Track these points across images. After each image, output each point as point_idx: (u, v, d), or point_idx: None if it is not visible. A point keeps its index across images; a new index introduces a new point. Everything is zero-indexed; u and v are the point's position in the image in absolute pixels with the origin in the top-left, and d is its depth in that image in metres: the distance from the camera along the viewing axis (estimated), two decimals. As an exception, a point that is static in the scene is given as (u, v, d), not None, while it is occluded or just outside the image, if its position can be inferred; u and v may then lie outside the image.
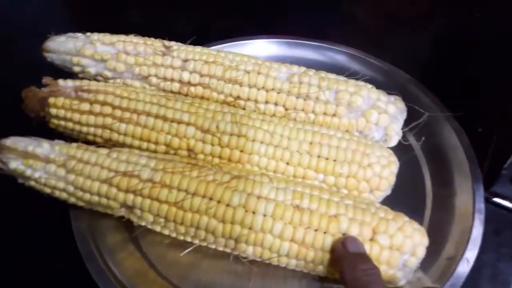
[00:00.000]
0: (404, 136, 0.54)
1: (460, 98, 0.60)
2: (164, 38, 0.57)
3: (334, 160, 0.46)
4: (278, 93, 0.52)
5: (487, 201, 0.50)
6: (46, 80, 0.53)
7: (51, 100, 0.50)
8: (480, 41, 0.73)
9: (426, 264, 0.42)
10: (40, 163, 0.45)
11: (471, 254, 0.42)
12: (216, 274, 0.46)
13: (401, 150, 0.54)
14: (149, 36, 0.57)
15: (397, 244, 0.39)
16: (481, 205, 0.46)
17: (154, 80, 0.55)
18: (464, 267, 0.42)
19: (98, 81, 0.56)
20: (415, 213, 0.48)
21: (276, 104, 0.52)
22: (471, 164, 0.50)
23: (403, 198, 0.50)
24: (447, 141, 0.53)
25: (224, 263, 0.45)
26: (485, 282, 0.48)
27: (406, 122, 0.54)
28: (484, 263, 0.48)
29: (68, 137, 0.52)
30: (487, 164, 0.52)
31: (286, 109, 0.52)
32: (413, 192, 0.51)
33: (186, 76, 0.53)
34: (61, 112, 0.50)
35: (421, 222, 0.47)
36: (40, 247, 0.51)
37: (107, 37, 0.56)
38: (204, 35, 0.68)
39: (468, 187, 0.48)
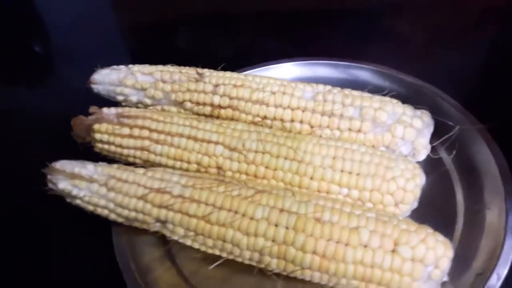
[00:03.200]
0: (434, 151, 0.53)
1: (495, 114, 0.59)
2: (208, 62, 0.61)
3: (357, 174, 0.46)
4: (303, 111, 0.54)
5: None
6: (92, 109, 0.58)
7: (96, 126, 0.55)
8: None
9: (455, 279, 0.41)
10: (84, 182, 0.49)
11: (501, 270, 0.41)
12: (246, 288, 0.47)
13: (431, 164, 0.53)
14: (194, 59, 0.62)
15: (419, 255, 0.39)
16: (514, 219, 0.44)
17: (188, 105, 0.59)
18: (494, 283, 0.40)
19: (139, 108, 0.61)
20: (446, 228, 0.47)
21: (301, 122, 0.54)
22: (504, 178, 0.48)
23: (434, 213, 0.49)
24: (479, 154, 0.52)
25: (254, 278, 0.46)
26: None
27: (437, 136, 0.53)
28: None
29: (112, 160, 0.57)
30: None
31: (312, 127, 0.53)
32: (444, 207, 0.50)
33: (216, 99, 0.57)
34: (105, 137, 0.55)
35: (451, 237, 0.46)
36: (83, 266, 0.55)
37: (146, 68, 0.61)
38: (246, 58, 0.72)
39: (501, 201, 0.46)
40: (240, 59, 0.69)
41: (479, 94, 0.69)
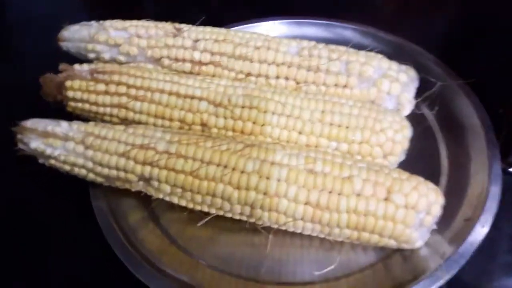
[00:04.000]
0: (417, 107, 0.54)
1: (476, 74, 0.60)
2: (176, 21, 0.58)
3: (347, 127, 0.46)
4: (289, 67, 0.52)
5: (504, 172, 0.49)
6: (62, 66, 0.54)
7: (68, 83, 0.52)
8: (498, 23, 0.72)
9: (442, 226, 0.42)
10: (59, 141, 0.46)
11: (488, 215, 0.42)
12: (234, 246, 0.46)
13: (414, 120, 0.53)
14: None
15: (412, 202, 0.39)
16: (497, 168, 0.45)
17: (166, 61, 0.56)
18: (481, 229, 0.41)
19: (113, 66, 0.58)
20: (432, 179, 0.47)
21: (287, 78, 0.52)
22: (485, 129, 0.49)
23: (419, 166, 0.49)
24: (460, 108, 0.53)
25: (242, 235, 0.46)
26: (503, 249, 0.47)
27: (419, 93, 0.54)
28: (501, 231, 0.47)
29: (86, 120, 0.54)
30: (503, 135, 0.52)
31: (297, 83, 0.52)
32: (429, 160, 0.51)
33: (197, 55, 0.54)
34: (78, 94, 0.52)
35: (437, 186, 0.47)
36: (63, 227, 0.52)
37: (119, 23, 0.58)
38: (215, 22, 0.70)
39: (484, 152, 0.48)
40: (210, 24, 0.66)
41: (457, 52, 0.70)
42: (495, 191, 0.43)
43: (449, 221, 0.43)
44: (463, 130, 0.51)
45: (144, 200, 0.48)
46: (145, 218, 0.49)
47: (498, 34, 0.69)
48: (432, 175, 0.48)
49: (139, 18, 0.59)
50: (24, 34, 0.86)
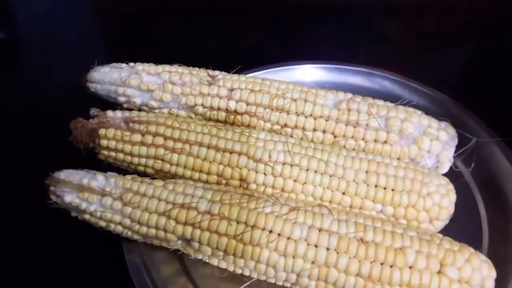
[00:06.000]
0: (453, 162, 0.53)
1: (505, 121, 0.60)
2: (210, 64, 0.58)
3: (392, 190, 0.45)
4: (327, 120, 0.51)
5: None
6: (94, 111, 0.53)
7: (102, 131, 0.51)
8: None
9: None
10: (95, 196, 0.45)
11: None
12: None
13: (451, 177, 0.53)
14: (177, 54, 0.58)
15: (466, 277, 0.38)
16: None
17: (200, 109, 0.55)
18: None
19: (144, 111, 0.57)
20: (473, 242, 0.46)
21: (324, 131, 0.52)
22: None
23: (459, 227, 0.49)
24: (498, 166, 0.53)
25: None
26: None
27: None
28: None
29: (117, 168, 0.52)
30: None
31: (335, 137, 0.51)
32: (468, 220, 0.50)
33: (232, 105, 0.53)
34: (112, 143, 0.50)
35: (480, 251, 0.46)
36: (94, 280, 0.51)
37: (152, 67, 0.57)
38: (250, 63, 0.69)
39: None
40: (224, 57, 0.65)
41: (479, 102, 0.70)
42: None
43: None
44: (502, 190, 0.51)
45: (177, 251, 0.47)
46: (178, 272, 0.48)
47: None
48: (473, 238, 0.48)
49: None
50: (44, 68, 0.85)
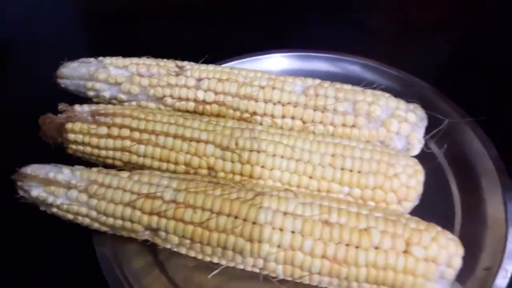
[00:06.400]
0: (425, 145, 0.53)
1: (481, 105, 0.59)
2: (177, 55, 0.57)
3: (359, 172, 0.45)
4: (295, 106, 0.51)
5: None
6: (62, 106, 0.52)
7: (69, 125, 0.50)
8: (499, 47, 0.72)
9: (463, 276, 0.41)
10: (61, 189, 0.44)
11: (509, 263, 0.41)
12: (245, 296, 0.44)
13: (424, 158, 0.53)
14: (163, 53, 0.57)
15: (432, 255, 0.38)
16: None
17: (169, 100, 0.54)
18: (503, 278, 0.40)
19: (113, 104, 0.56)
20: (445, 222, 0.46)
21: (293, 118, 0.51)
22: (498, 170, 0.48)
23: (431, 208, 0.48)
24: (471, 147, 0.52)
25: (252, 284, 0.44)
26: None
27: (427, 130, 0.53)
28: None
29: (87, 162, 0.52)
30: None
31: (304, 123, 0.51)
32: (441, 201, 0.50)
33: (201, 94, 0.53)
34: (79, 137, 0.50)
35: (451, 231, 0.46)
36: (65, 273, 0.50)
37: (120, 60, 0.56)
38: (218, 50, 0.68)
39: (498, 194, 0.47)
40: (213, 51, 0.65)
41: (454, 87, 0.70)
42: (513, 236, 0.42)
43: (469, 270, 0.42)
44: (474, 170, 0.51)
45: (151, 244, 0.46)
46: (150, 264, 0.48)
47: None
48: (445, 219, 0.48)
49: (136, 45, 0.57)
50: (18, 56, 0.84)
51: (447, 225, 0.46)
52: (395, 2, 0.91)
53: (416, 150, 0.51)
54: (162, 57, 0.57)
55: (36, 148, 0.53)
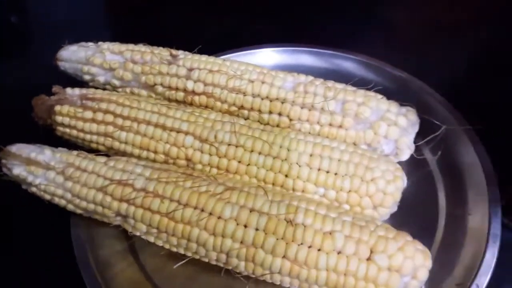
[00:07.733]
0: (419, 150, 0.51)
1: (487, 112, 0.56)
2: (195, 43, 0.57)
3: (335, 174, 0.43)
4: (282, 103, 0.50)
5: (507, 227, 0.46)
6: (55, 88, 0.53)
7: (57, 108, 0.51)
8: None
9: (433, 288, 0.39)
10: (40, 169, 0.45)
11: (482, 280, 0.38)
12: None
13: (415, 165, 0.51)
14: (180, 40, 0.57)
15: (396, 265, 0.36)
16: (497, 227, 0.42)
17: (160, 89, 0.54)
18: (473, 295, 0.38)
19: (108, 90, 0.57)
20: (426, 233, 0.45)
21: (280, 114, 0.50)
22: (488, 183, 0.46)
23: (414, 216, 0.47)
24: (464, 156, 0.50)
25: (221, 277, 0.43)
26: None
27: (423, 135, 0.51)
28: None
29: (74, 145, 0.53)
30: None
31: (291, 120, 0.50)
32: (426, 210, 0.48)
33: (190, 85, 0.53)
34: (66, 120, 0.51)
35: (431, 242, 0.45)
36: (40, 254, 0.51)
37: (116, 46, 0.57)
38: (234, 40, 0.67)
39: (484, 207, 0.44)
40: (223, 43, 0.64)
41: (467, 93, 0.66)
42: (492, 253, 0.40)
43: (440, 284, 0.40)
44: (464, 181, 0.48)
45: (126, 231, 0.47)
46: (125, 251, 0.48)
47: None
48: (426, 229, 0.46)
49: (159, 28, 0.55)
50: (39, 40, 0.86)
51: (428, 235, 0.45)
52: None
53: (405, 156, 0.49)
54: (179, 49, 0.57)
55: (29, 128, 0.54)
